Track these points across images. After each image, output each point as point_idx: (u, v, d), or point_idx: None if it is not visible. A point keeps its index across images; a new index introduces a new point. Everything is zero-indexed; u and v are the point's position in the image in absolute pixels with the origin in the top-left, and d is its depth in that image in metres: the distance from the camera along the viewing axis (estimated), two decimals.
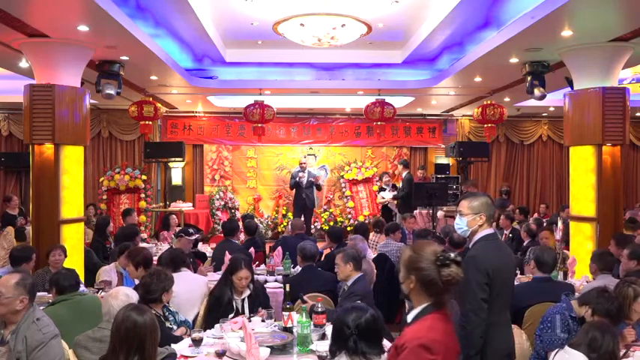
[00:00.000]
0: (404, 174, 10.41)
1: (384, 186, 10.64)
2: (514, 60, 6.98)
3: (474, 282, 2.77)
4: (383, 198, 10.55)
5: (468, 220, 2.93)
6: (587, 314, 3.19)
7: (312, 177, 10.67)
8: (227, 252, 5.45)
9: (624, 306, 3.29)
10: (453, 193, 10.84)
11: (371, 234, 7.50)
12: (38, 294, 4.30)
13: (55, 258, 5.14)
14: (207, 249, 7.16)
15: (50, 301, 3.91)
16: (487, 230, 2.92)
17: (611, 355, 2.61)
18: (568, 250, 6.37)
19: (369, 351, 2.47)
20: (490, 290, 2.77)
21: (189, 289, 4.31)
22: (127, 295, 3.13)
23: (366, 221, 10.69)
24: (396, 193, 10.27)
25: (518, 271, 5.63)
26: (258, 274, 5.32)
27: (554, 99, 8.83)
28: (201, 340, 3.29)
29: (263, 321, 3.71)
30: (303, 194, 10.53)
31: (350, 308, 2.60)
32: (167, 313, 3.67)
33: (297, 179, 10.53)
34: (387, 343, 2.81)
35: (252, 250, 6.26)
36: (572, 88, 6.46)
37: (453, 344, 2.26)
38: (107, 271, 5.20)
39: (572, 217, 6.46)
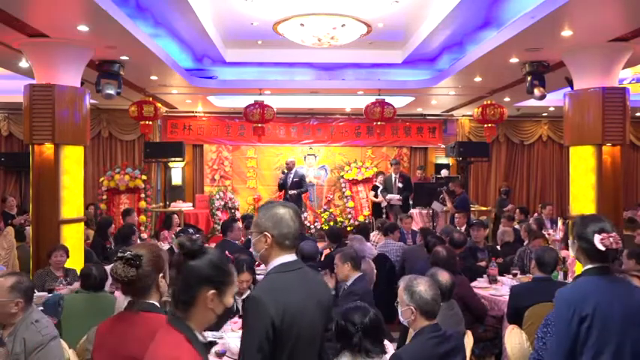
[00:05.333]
0: (399, 173, 10.26)
1: (378, 184, 10.35)
2: (514, 60, 6.98)
3: None
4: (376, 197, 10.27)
5: (254, 240, 2.14)
6: None
7: (298, 177, 10.25)
8: (227, 252, 5.44)
9: None
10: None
11: (373, 233, 7.49)
12: (38, 294, 4.31)
13: (58, 259, 5.13)
14: None
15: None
16: (286, 257, 2.09)
17: None
18: (568, 250, 6.37)
19: (372, 349, 2.48)
20: None
21: None
22: None
23: (367, 221, 10.66)
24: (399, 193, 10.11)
25: (518, 271, 5.64)
26: (258, 274, 5.31)
27: (554, 99, 8.82)
28: None
29: None
30: (286, 196, 10.19)
31: (353, 307, 2.61)
32: None
33: (281, 181, 10.33)
34: (387, 343, 2.81)
35: (252, 249, 6.25)
36: (572, 88, 6.46)
37: (113, 343, 2.13)
38: None
39: (573, 217, 6.45)
